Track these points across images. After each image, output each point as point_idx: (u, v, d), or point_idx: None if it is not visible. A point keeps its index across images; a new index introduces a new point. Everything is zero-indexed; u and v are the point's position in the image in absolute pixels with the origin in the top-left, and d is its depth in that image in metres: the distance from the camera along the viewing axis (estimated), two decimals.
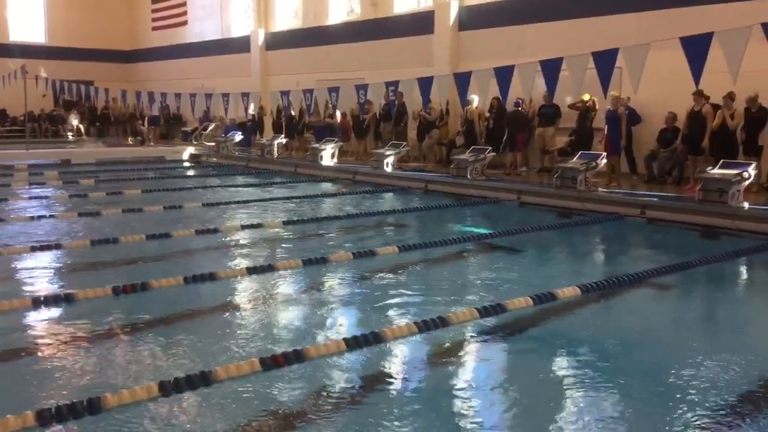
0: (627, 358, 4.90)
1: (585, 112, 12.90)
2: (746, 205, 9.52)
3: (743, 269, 7.89)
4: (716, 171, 9.92)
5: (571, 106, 13.17)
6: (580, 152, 12.01)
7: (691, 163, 11.92)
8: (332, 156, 16.66)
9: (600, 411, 4.02)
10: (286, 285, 6.75)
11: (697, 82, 9.43)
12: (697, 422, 3.82)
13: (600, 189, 11.46)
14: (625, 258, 8.84)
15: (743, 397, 4.17)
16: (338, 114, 18.34)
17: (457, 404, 4.13)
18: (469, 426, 3.83)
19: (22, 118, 24.18)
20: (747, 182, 9.70)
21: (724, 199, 9.51)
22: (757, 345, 5.34)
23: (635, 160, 12.76)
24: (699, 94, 11.14)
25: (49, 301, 5.61)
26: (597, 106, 12.86)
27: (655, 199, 10.59)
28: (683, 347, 5.23)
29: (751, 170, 9.75)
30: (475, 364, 4.79)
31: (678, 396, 4.15)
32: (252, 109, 20.61)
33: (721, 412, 3.94)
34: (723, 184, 9.58)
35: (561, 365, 4.69)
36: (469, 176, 12.95)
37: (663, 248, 8.90)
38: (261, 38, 23.81)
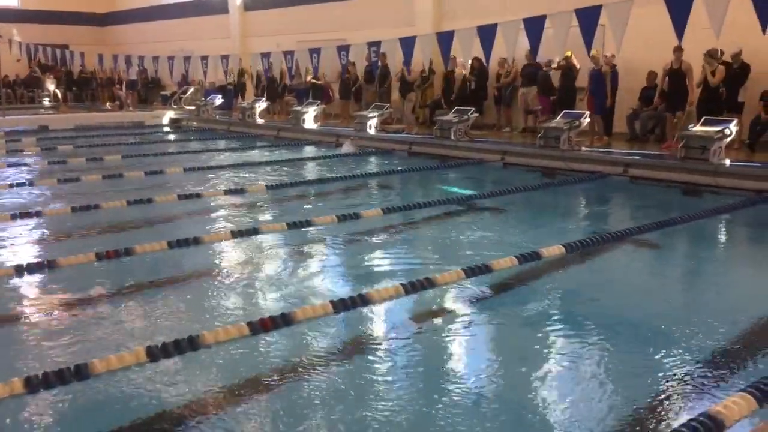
0: (611, 314, 4.96)
1: (567, 70, 12.82)
2: (728, 162, 9.58)
3: (725, 226, 7.97)
4: (698, 128, 9.95)
5: (555, 67, 13.05)
6: (563, 111, 11.99)
7: (668, 120, 11.93)
8: (315, 119, 16.52)
9: (584, 366, 4.07)
10: (271, 249, 6.73)
11: (680, 38, 9.41)
12: (680, 373, 3.89)
13: (583, 148, 11.47)
14: (608, 216, 8.92)
15: (724, 348, 4.25)
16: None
17: (445, 364, 4.16)
18: (456, 384, 3.86)
19: None
20: (728, 139, 9.74)
21: (705, 156, 9.56)
22: (740, 299, 5.42)
23: (612, 120, 12.69)
24: (679, 51, 11.11)
25: (32, 268, 5.54)
26: (579, 65, 12.75)
27: (638, 158, 10.63)
28: (666, 302, 5.30)
29: (733, 127, 9.78)
30: (462, 324, 4.82)
31: (662, 351, 4.21)
32: (231, 72, 20.27)
33: (705, 363, 4.02)
34: (704, 141, 9.62)
35: (546, 323, 4.73)
36: (452, 137, 12.91)
37: (646, 206, 8.97)
38: None
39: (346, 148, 13.59)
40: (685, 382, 3.82)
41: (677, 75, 11.50)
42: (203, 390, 3.75)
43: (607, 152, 11.25)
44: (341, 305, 4.57)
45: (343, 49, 15.37)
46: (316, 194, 9.61)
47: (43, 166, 11.82)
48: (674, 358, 4.11)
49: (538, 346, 4.36)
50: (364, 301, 4.71)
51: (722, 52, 10.93)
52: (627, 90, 12.64)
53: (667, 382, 3.82)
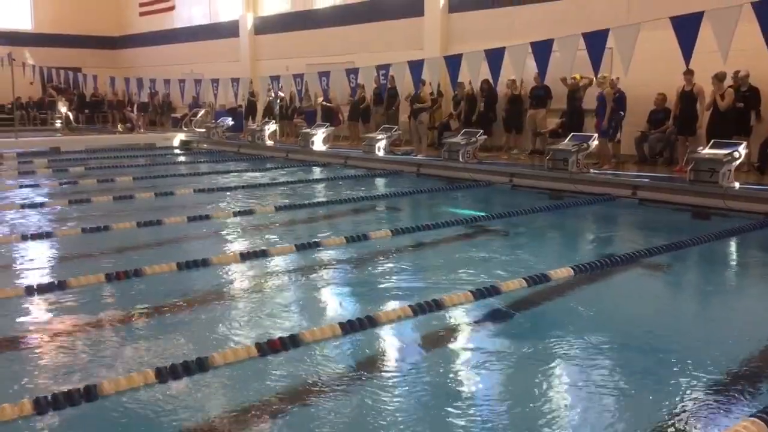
0: (620, 337, 4.93)
1: (574, 92, 12.81)
2: (737, 184, 9.57)
3: (735, 249, 7.93)
4: (707, 151, 9.95)
5: (563, 80, 12.94)
6: (571, 134, 12.01)
7: (680, 143, 11.94)
8: (324, 141, 16.61)
9: (593, 389, 4.04)
10: (279, 270, 6.75)
11: (687, 62, 9.45)
12: (690, 397, 3.86)
13: (591, 170, 11.48)
14: (617, 239, 8.89)
15: (734, 372, 4.21)
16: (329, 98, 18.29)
17: (453, 387, 4.15)
18: (464, 408, 3.85)
19: (9, 106, 23.96)
20: (737, 162, 9.73)
21: (714, 179, 9.54)
22: (749, 323, 5.39)
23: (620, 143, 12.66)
24: (690, 74, 11.15)
25: (43, 289, 5.58)
26: (593, 84, 12.60)
27: (647, 180, 10.62)
28: (676, 326, 5.27)
29: (742, 150, 9.77)
30: (470, 346, 4.81)
31: (671, 374, 4.19)
32: (242, 95, 20.44)
33: (715, 388, 3.98)
34: (713, 163, 9.61)
35: (555, 346, 4.71)
36: (461, 159, 12.95)
37: (655, 228, 8.95)
38: (250, 23, 23.66)
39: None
40: (695, 406, 3.79)
41: (688, 98, 11.52)
42: (212, 411, 3.75)
43: (615, 175, 11.26)
44: (349, 327, 4.58)
45: (352, 72, 15.51)
46: (324, 215, 9.64)
47: (54, 187, 11.92)
48: (684, 382, 4.08)
49: (546, 369, 4.34)
50: (372, 322, 4.71)
51: (736, 73, 10.95)
52: (635, 113, 12.67)
53: (677, 406, 3.79)
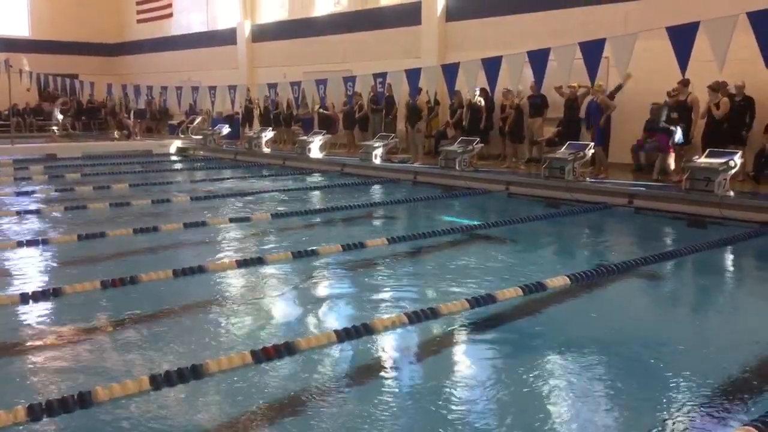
0: (616, 346, 4.93)
1: (571, 100, 12.82)
2: (732, 193, 9.60)
3: (730, 257, 7.94)
4: (702, 160, 9.98)
5: (557, 89, 12.95)
6: (568, 142, 12.03)
7: (676, 152, 11.96)
8: (321, 148, 16.62)
9: (589, 400, 4.05)
10: (275, 277, 6.73)
11: (683, 71, 9.49)
12: (683, 407, 3.86)
13: (588, 179, 11.50)
14: (613, 247, 8.89)
15: (728, 381, 4.21)
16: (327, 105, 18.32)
17: (448, 395, 4.13)
18: (459, 416, 3.84)
19: (6, 112, 23.93)
20: (733, 171, 9.76)
21: (710, 187, 9.58)
22: (745, 332, 5.38)
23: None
24: (684, 84, 11.19)
25: (37, 296, 5.56)
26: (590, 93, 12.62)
27: (643, 189, 10.65)
28: (671, 334, 5.27)
29: (737, 159, 9.81)
30: (465, 355, 4.81)
31: (666, 383, 4.19)
32: (239, 103, 20.45)
33: (710, 397, 3.98)
34: (709, 172, 9.64)
35: (551, 355, 4.70)
36: (457, 167, 12.96)
37: (651, 237, 8.96)
38: (247, 30, 23.69)
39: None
40: (690, 415, 3.79)
41: (682, 108, 11.55)
42: (206, 419, 3.74)
43: (612, 183, 11.28)
44: (344, 334, 4.58)
45: (349, 80, 15.54)
46: (321, 223, 9.64)
47: (50, 194, 11.90)
48: (678, 392, 4.08)
49: (541, 379, 4.33)
50: (368, 330, 4.71)
51: (724, 85, 10.99)
52: (632, 121, 12.69)
53: (673, 415, 3.79)
